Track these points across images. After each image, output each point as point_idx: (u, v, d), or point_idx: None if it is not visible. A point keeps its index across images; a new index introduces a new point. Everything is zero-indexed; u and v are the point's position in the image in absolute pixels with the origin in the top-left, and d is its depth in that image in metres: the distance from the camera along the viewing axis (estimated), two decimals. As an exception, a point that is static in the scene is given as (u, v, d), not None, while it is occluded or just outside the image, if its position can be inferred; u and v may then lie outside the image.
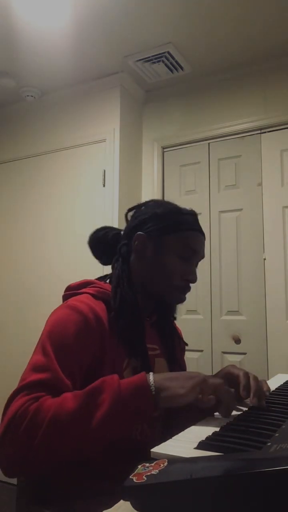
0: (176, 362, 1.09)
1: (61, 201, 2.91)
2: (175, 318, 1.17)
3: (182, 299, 1.06)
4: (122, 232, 1.11)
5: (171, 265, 1.02)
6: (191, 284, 1.05)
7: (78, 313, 0.90)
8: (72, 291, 1.01)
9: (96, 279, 1.09)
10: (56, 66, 2.69)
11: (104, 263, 1.13)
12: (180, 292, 1.04)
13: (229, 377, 0.96)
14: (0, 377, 2.83)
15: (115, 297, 0.98)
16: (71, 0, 2.13)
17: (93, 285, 1.02)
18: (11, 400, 0.78)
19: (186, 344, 1.21)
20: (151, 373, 0.79)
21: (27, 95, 2.97)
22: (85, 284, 1.03)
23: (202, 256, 1.09)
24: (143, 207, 1.10)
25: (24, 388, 0.79)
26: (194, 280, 1.05)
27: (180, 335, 1.20)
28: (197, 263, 1.09)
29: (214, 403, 0.79)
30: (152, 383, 0.76)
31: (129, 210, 1.11)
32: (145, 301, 1.05)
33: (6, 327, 2.99)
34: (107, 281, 1.07)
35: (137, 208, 1.11)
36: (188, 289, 1.06)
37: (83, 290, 1.00)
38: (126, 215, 1.12)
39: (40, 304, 2.75)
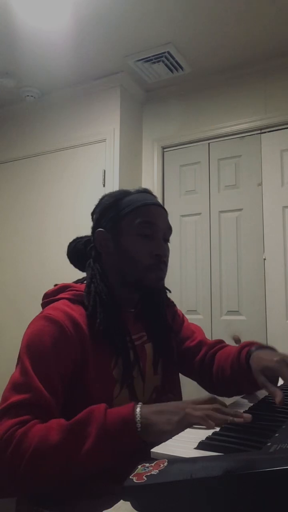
0: (162, 344, 1.07)
1: (61, 201, 2.91)
2: (172, 305, 1.16)
3: (159, 277, 1.01)
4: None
5: (134, 248, 0.98)
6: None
7: (54, 323, 0.88)
8: (48, 298, 1.00)
9: (74, 282, 1.08)
10: (56, 66, 2.69)
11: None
12: (155, 270, 1.00)
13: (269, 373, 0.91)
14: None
15: (89, 295, 0.96)
16: (71, 0, 2.13)
17: (70, 289, 1.01)
18: None
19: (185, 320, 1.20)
20: (139, 406, 0.76)
21: (27, 95, 2.96)
22: (62, 289, 1.02)
23: (167, 228, 1.04)
24: (98, 206, 1.08)
25: (7, 409, 0.78)
26: (163, 252, 1.00)
27: (180, 321, 1.19)
28: (166, 238, 1.04)
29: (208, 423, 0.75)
30: (138, 418, 0.74)
31: (92, 214, 1.10)
32: (127, 295, 1.03)
33: (6, 328, 2.99)
34: (85, 282, 1.04)
35: (95, 208, 1.09)
36: (162, 264, 1.01)
37: (60, 295, 0.98)
38: (92, 219, 1.10)
39: (40, 304, 2.74)
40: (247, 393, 1.04)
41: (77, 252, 1.12)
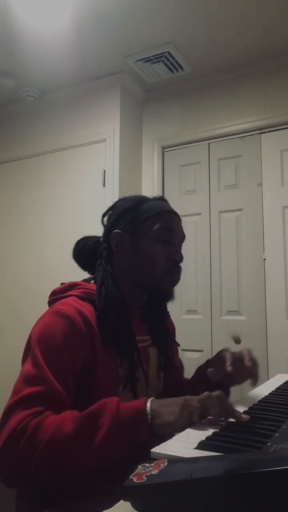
0: (166, 350, 1.09)
1: (61, 201, 2.91)
2: (167, 314, 1.17)
3: (175, 280, 1.04)
4: (101, 238, 1.11)
5: (153, 251, 1.01)
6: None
7: (65, 317, 0.89)
8: (57, 295, 1.01)
9: (82, 281, 1.08)
10: (56, 66, 2.69)
11: (93, 273, 1.11)
12: (171, 274, 1.03)
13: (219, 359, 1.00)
14: None
15: (100, 296, 0.97)
16: (71, 0, 2.13)
17: (78, 286, 1.02)
18: (9, 413, 0.78)
19: (178, 345, 1.20)
20: (149, 400, 0.78)
21: (27, 95, 2.97)
22: (70, 286, 1.02)
23: (183, 236, 1.08)
24: (113, 208, 1.10)
25: (21, 401, 0.79)
26: (179, 258, 1.04)
27: (173, 333, 1.20)
28: (180, 244, 1.08)
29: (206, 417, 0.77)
30: (149, 410, 0.76)
31: (103, 215, 1.12)
32: (136, 296, 1.05)
33: (5, 328, 2.99)
34: (92, 282, 1.06)
35: (109, 210, 1.11)
36: (178, 269, 1.05)
37: (69, 293, 0.99)
38: (102, 221, 1.12)
39: (40, 305, 2.74)
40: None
41: (86, 251, 1.12)
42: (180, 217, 1.10)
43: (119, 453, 0.74)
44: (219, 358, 1.01)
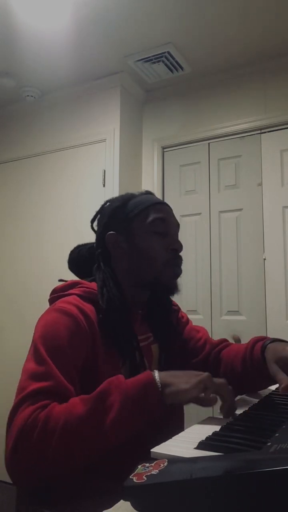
0: (168, 347, 1.08)
1: (61, 201, 2.91)
2: (175, 309, 1.16)
3: (177, 272, 1.03)
4: (94, 244, 1.10)
5: (150, 245, 1.00)
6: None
7: (68, 315, 0.89)
8: (58, 293, 1.00)
9: (82, 280, 1.08)
10: (56, 66, 2.69)
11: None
12: (172, 265, 1.01)
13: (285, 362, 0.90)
14: None
15: (102, 298, 0.96)
16: (71, 0, 2.13)
17: (80, 285, 1.01)
18: (15, 410, 0.77)
19: (187, 322, 1.20)
20: (155, 371, 0.79)
21: (27, 95, 2.97)
22: (72, 285, 1.02)
23: (177, 224, 1.07)
24: (101, 212, 1.10)
25: (27, 397, 0.77)
26: (179, 246, 1.02)
27: (185, 324, 1.19)
28: (176, 233, 1.06)
29: (215, 403, 0.79)
30: (158, 379, 0.76)
31: (92, 220, 1.11)
32: (137, 296, 1.04)
33: (5, 328, 2.99)
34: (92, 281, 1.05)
35: (97, 214, 1.11)
36: (179, 259, 1.03)
37: (70, 291, 0.98)
38: (92, 227, 1.11)
39: (40, 305, 2.73)
40: (257, 390, 1.05)
41: (82, 259, 1.12)
42: (170, 207, 1.09)
43: (133, 428, 0.75)
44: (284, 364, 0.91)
